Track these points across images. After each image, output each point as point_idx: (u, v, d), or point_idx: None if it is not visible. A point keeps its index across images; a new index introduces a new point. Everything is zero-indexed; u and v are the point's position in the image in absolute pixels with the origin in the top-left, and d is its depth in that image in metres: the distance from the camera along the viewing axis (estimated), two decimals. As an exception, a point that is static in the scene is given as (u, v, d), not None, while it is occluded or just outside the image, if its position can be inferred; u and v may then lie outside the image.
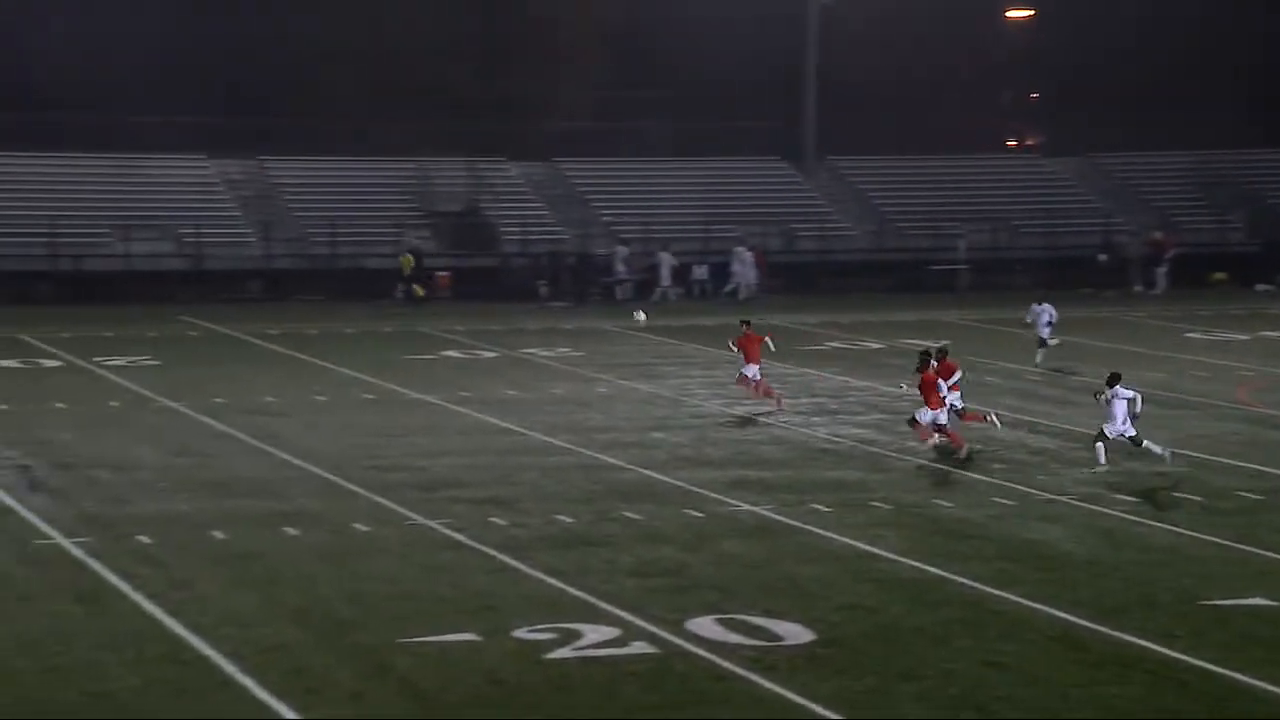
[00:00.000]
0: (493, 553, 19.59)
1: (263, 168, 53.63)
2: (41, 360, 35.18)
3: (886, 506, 22.39)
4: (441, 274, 49.64)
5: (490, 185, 53.93)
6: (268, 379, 33.07)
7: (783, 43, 56.69)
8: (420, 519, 21.21)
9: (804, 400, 30.90)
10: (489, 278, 50.14)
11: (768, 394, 29.69)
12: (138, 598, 17.47)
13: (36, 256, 47.32)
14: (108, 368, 34.07)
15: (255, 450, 25.55)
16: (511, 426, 27.90)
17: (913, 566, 19.29)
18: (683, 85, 57.32)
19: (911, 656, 16.01)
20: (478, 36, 56.42)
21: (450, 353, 37.79)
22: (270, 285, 48.89)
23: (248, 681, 15.01)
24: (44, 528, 20.40)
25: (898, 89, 58.90)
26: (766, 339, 30.33)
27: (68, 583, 18.02)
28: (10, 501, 21.76)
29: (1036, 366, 35.00)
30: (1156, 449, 24.50)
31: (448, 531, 20.62)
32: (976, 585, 18.44)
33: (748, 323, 30.98)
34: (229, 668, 15.35)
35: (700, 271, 51.42)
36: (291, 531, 20.45)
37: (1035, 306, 36.06)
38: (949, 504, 22.65)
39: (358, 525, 20.85)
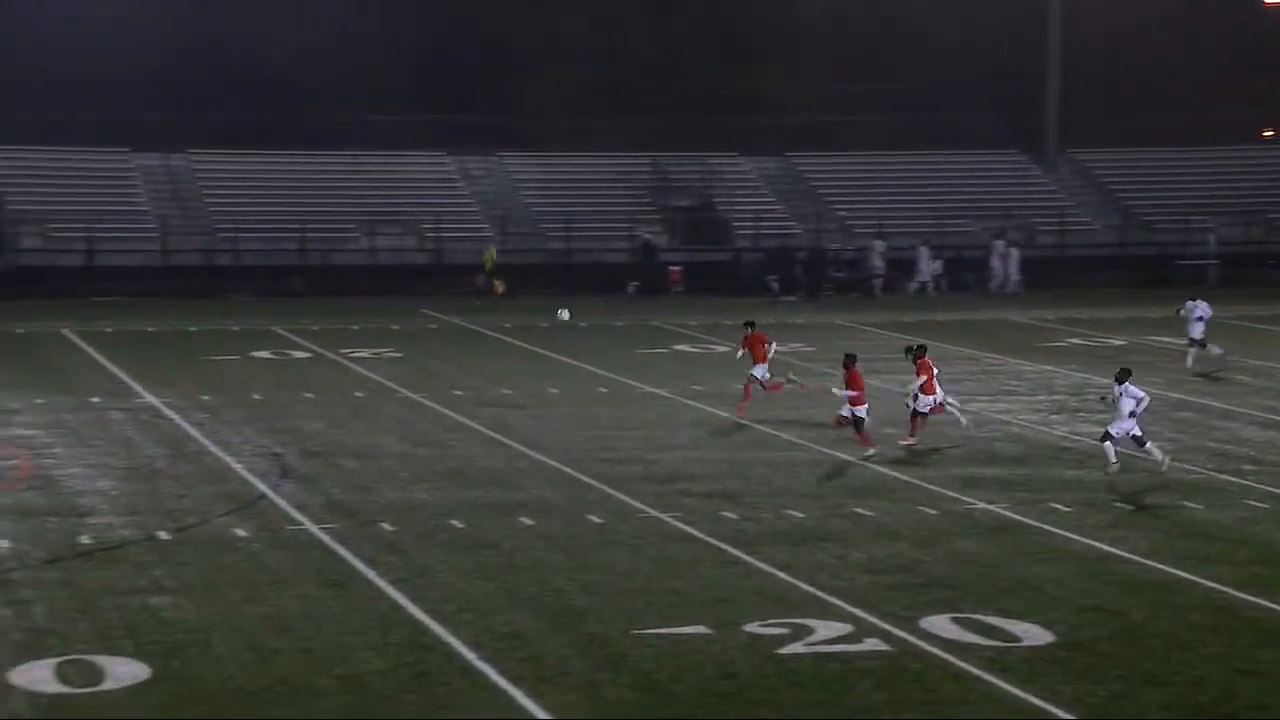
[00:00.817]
0: (724, 546, 19.64)
1: (501, 164, 54.70)
2: (292, 352, 36.49)
3: (1129, 507, 21.73)
4: (674, 268, 49.94)
5: (723, 180, 54.05)
6: (504, 372, 33.71)
7: (1021, 33, 55.43)
8: (652, 511, 21.37)
9: (1042, 398, 30.20)
10: (721, 272, 50.29)
11: (745, 396, 28.23)
12: (382, 584, 17.98)
13: (288, 251, 49.15)
14: (353, 359, 35.16)
15: (492, 441, 26.07)
16: (742, 420, 27.89)
17: (1158, 569, 18.68)
18: (917, 78, 56.50)
19: (1157, 661, 15.51)
20: (711, 32, 56.57)
21: (682, 347, 37.97)
22: (507, 279, 49.79)
23: (486, 668, 15.32)
24: (294, 514, 21.16)
25: (1144, 78, 57.02)
26: (770, 345, 28.71)
27: (317, 567, 18.65)
28: (264, 488, 22.64)
29: (1189, 369, 33.39)
30: (1157, 453, 23.34)
31: (679, 524, 20.73)
32: (1227, 590, 17.78)
33: (751, 324, 29.52)
34: (468, 654, 15.68)
35: (935, 266, 50.76)
36: (527, 521, 20.81)
37: (1189, 303, 34.19)
38: (1197, 506, 21.88)
39: (591, 517, 21.11)
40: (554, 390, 31.38)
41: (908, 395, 26.05)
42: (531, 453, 25.13)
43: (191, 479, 23.14)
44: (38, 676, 14.83)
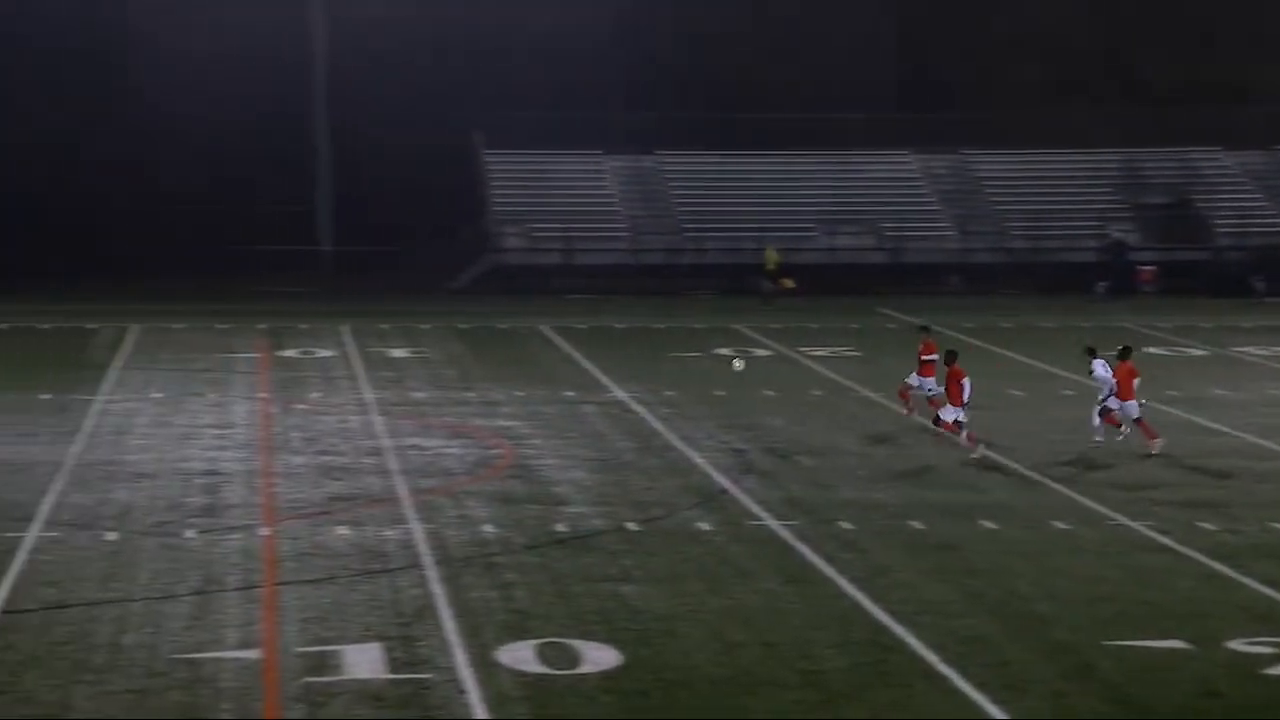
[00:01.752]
0: (1201, 558, 18.70)
1: (965, 161, 53.89)
2: (753, 350, 37.13)
3: None
4: (1145, 268, 47.92)
5: (1203, 175, 51.42)
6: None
7: None
8: (1121, 519, 20.58)
9: None
10: (1197, 272, 47.87)
11: (902, 396, 27.57)
12: (841, 581, 18.03)
13: (750, 250, 49.99)
14: (812, 357, 35.43)
15: (949, 442, 25.67)
16: (1220, 428, 26.48)
17: None
18: None
19: None
20: (1188, 20, 53.90)
21: (1152, 349, 36.36)
22: (969, 279, 49.05)
23: (949, 672, 15.11)
24: (755, 509, 21.49)
25: None
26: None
27: (777, 562, 18.88)
28: (726, 483, 23.11)
29: None
30: None
31: (1151, 533, 19.90)
32: None
33: (926, 328, 28.25)
34: (930, 657, 15.51)
35: None
36: (988, 525, 20.41)
37: None
38: None
39: (1055, 522, 20.51)
40: (1015, 392, 30.66)
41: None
42: (992, 455, 24.62)
43: (658, 472, 23.87)
44: (521, 656, 15.62)
